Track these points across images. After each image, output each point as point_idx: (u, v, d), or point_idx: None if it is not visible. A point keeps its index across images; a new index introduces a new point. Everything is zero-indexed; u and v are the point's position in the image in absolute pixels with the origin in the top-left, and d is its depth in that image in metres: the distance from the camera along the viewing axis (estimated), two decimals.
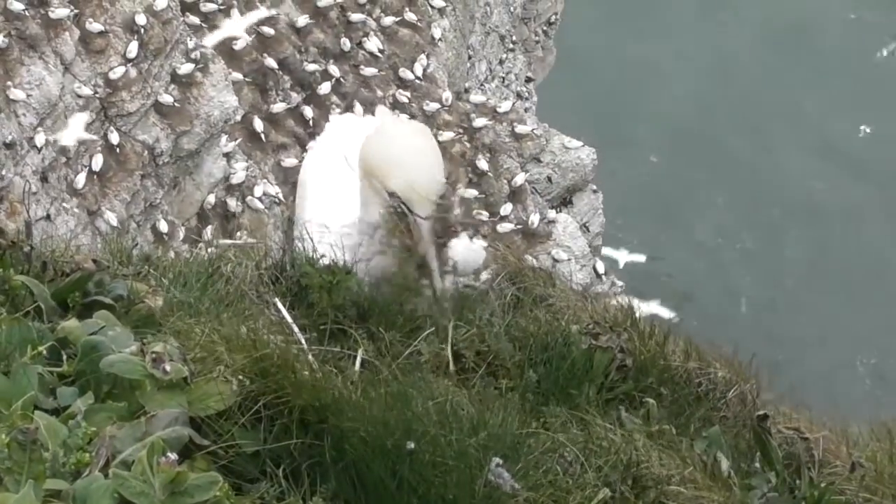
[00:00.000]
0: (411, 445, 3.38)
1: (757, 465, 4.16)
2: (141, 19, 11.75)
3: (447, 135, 13.82)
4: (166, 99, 11.86)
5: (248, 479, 3.38)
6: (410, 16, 14.64)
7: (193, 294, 4.20)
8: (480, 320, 4.53)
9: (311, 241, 4.80)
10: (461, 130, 14.19)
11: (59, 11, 11.32)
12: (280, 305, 4.19)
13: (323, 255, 4.65)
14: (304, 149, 13.38)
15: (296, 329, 4.07)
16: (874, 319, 24.41)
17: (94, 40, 11.58)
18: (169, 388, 3.33)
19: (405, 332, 4.33)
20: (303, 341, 4.00)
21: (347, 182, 5.21)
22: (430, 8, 14.91)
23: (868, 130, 27.99)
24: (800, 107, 27.58)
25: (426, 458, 3.42)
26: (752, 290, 25.11)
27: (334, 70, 13.92)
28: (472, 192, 13.80)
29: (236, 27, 13.65)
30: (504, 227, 13.80)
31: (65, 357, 3.48)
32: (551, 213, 14.23)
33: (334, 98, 13.82)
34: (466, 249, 5.02)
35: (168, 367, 3.33)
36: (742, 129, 27.18)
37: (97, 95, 11.41)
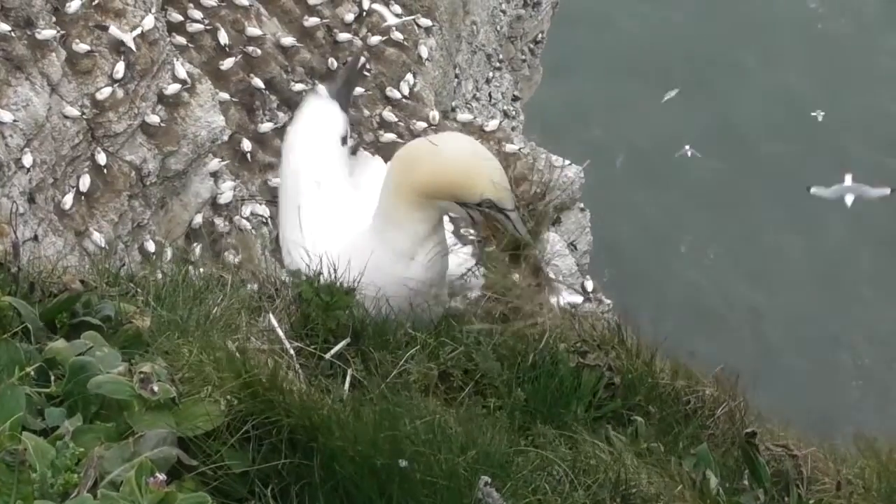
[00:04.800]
0: (403, 463, 3.38)
1: (745, 482, 4.17)
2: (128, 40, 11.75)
3: None
4: (153, 119, 11.85)
5: (237, 499, 3.38)
6: (397, 35, 14.63)
7: (180, 313, 4.20)
8: (468, 339, 4.53)
9: (308, 265, 4.65)
10: None
11: (46, 32, 11.30)
12: (273, 319, 4.18)
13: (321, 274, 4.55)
14: None
15: (287, 343, 4.07)
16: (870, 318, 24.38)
17: (81, 61, 11.56)
18: (157, 408, 3.33)
19: (394, 351, 4.32)
20: (293, 354, 4.00)
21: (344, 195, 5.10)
22: (416, 27, 14.91)
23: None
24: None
25: (415, 478, 3.41)
26: (738, 297, 25.09)
27: None
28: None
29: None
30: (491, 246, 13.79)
31: (53, 378, 3.47)
32: None
33: None
34: (458, 267, 5.00)
35: (156, 388, 3.33)
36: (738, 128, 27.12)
37: (84, 116, 11.39)
